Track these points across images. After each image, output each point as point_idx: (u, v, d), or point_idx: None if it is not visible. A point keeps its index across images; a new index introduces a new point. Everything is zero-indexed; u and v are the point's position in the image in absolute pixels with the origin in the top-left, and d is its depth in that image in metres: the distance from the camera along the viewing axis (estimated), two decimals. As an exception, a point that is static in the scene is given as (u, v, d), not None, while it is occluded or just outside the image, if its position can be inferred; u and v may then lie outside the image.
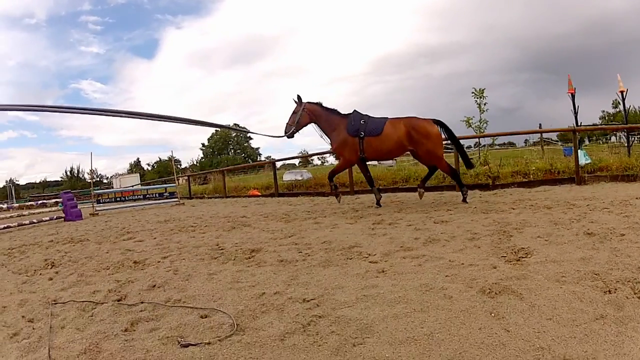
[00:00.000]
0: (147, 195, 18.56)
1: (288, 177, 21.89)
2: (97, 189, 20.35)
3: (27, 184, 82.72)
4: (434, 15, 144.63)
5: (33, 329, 3.37)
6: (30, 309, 3.92)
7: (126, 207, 17.21)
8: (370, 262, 4.32)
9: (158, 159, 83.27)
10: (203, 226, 8.58)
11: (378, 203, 9.66)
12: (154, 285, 4.23)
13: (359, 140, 9.03)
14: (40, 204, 17.98)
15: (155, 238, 7.54)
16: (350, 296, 3.28)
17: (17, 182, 71.11)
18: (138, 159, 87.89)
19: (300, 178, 20.33)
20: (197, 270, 4.74)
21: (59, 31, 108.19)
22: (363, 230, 6.16)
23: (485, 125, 13.68)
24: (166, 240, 7.19)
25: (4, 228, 12.66)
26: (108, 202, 17.86)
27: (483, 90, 13.83)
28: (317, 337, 2.58)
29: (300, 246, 5.44)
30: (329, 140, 9.56)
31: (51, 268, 5.82)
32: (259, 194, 18.85)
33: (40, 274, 5.49)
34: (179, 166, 74.14)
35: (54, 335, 3.18)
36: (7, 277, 5.57)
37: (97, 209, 16.42)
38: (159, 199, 18.46)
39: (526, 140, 45.12)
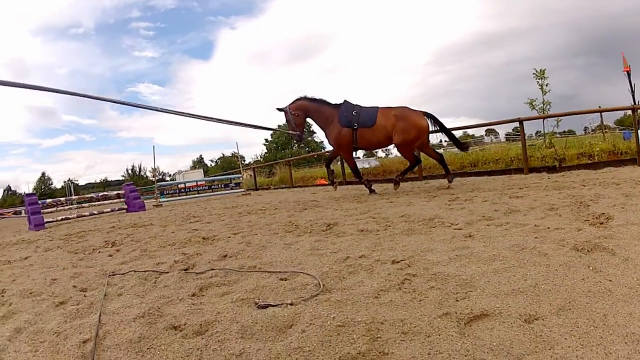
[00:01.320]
0: (213, 187, 18.55)
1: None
2: (161, 182, 20.50)
3: (86, 184, 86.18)
4: (489, 1, 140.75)
5: (85, 296, 3.17)
6: (83, 280, 3.72)
7: (191, 197, 17.21)
8: (455, 229, 4.25)
9: (221, 155, 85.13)
10: (273, 209, 8.55)
11: (371, 191, 9.97)
12: (225, 255, 4.07)
13: (353, 131, 9.31)
14: (102, 196, 18.15)
15: (223, 220, 7.44)
16: (442, 256, 3.16)
17: (76, 182, 73.66)
18: (201, 155, 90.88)
19: (367, 166, 20.57)
20: (271, 242, 4.60)
21: (110, 38, 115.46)
22: (439, 206, 6.10)
23: (548, 106, 13.60)
24: (235, 221, 7.07)
25: (63, 219, 13.00)
26: (172, 193, 17.88)
27: (544, 70, 13.73)
28: (414, 293, 2.47)
29: (378, 219, 5.31)
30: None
31: (111, 247, 5.72)
32: (326, 182, 18.42)
33: (99, 252, 5.36)
34: (242, 161, 75.56)
35: (109, 302, 2.95)
36: (62, 255, 5.48)
37: (161, 200, 16.62)
38: (225, 190, 18.19)
39: (585, 127, 44.08)
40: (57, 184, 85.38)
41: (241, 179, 20.00)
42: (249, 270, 3.37)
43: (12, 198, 79.11)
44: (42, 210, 12.77)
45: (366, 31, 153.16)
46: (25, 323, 2.66)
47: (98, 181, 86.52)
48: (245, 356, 1.90)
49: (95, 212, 13.80)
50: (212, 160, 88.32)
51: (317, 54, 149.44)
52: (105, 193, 17.50)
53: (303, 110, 9.79)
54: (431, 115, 9.33)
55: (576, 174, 9.72)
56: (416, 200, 7.13)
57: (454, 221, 4.58)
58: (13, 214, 42.50)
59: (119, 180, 78.91)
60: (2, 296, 3.46)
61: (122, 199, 15.13)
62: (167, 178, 68.92)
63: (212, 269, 3.49)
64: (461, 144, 9.92)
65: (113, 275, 3.72)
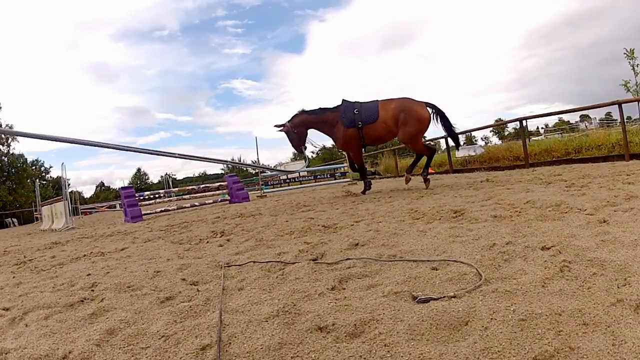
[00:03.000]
0: (318, 176, 18.53)
1: (461, 153, 22.82)
2: (265, 173, 20.76)
3: (184, 178, 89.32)
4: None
5: (198, 291, 2.86)
6: (193, 272, 3.41)
7: (295, 188, 17.21)
8: (586, 214, 4.05)
9: (322, 146, 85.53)
10: (387, 197, 8.36)
11: (364, 192, 10.33)
12: (356, 244, 3.76)
13: (358, 130, 9.54)
14: (203, 187, 17.94)
15: (337, 208, 7.20)
16: (589, 242, 2.97)
17: (173, 177, 76.63)
18: None
19: (473, 153, 21.41)
20: (401, 229, 4.32)
21: (198, 38, 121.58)
22: (559, 192, 5.84)
23: (642, 87, 13.44)
24: (351, 209, 6.83)
25: (162, 211, 13.38)
26: (274, 184, 17.97)
27: (633, 50, 14.06)
28: (578, 280, 2.28)
29: (504, 205, 5.10)
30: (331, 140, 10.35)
31: (220, 236, 5.48)
32: (433, 171, 19.06)
33: (207, 242, 5.12)
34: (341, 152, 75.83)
35: (229, 297, 2.62)
36: (165, 246, 5.33)
37: (265, 191, 16.83)
38: (330, 180, 18.15)
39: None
40: (154, 178, 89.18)
41: (347, 168, 19.76)
42: (389, 259, 3.06)
43: (105, 193, 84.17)
44: (139, 203, 13.13)
45: (454, 16, 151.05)
46: (121, 323, 2.38)
47: (196, 175, 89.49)
48: (426, 363, 1.62)
49: (196, 203, 14.05)
50: (312, 152, 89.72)
51: (408, 41, 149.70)
52: (206, 185, 17.69)
53: (305, 125, 10.08)
54: (433, 105, 9.45)
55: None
56: (533, 187, 6.95)
57: (581, 207, 4.41)
58: (107, 208, 44.69)
59: (218, 174, 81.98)
60: (92, 290, 3.26)
61: (223, 191, 15.38)
62: (268, 171, 70.32)
63: (348, 259, 3.16)
64: (457, 141, 10.26)
65: (228, 266, 3.39)
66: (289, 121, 10.07)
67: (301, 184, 20.46)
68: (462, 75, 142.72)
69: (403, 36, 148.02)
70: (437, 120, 9.42)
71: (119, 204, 43.42)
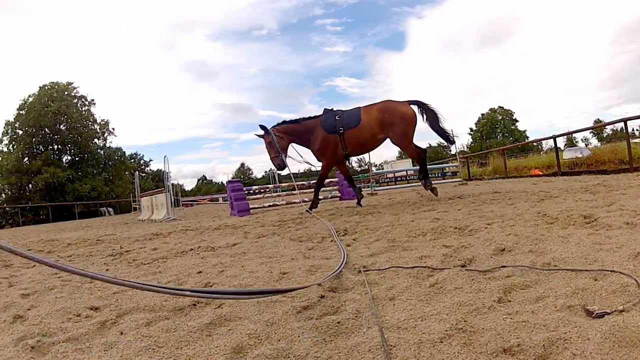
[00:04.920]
0: (431, 175, 18.66)
1: (568, 154, 23.70)
2: (376, 171, 21.01)
3: (287, 174, 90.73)
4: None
5: (339, 300, 2.50)
6: (327, 276, 3.05)
7: (404, 187, 17.18)
8: None
9: (427, 145, 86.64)
10: (506, 199, 8.01)
11: (359, 203, 10.32)
12: (502, 249, 3.47)
13: (340, 137, 9.41)
14: (313, 183, 18.03)
15: (460, 209, 6.89)
16: None
17: (278, 173, 78.97)
18: None
19: (580, 155, 21.41)
20: (541, 234, 4.01)
21: (297, 37, 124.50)
22: None
23: None
24: (475, 210, 6.55)
25: (270, 206, 13.77)
26: (380, 182, 18.14)
27: None
28: None
29: (628, 212, 4.69)
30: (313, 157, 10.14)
31: (344, 235, 5.27)
32: (541, 173, 19.11)
33: (332, 241, 4.86)
34: (449, 152, 76.37)
35: (382, 309, 2.29)
36: (284, 243, 5.11)
37: (376, 189, 17.11)
38: (439, 179, 18.43)
39: None
40: (257, 174, 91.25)
41: (458, 168, 20.34)
42: (545, 267, 2.78)
43: (207, 186, 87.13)
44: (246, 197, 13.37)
45: (547, 11, 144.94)
46: (250, 338, 2.01)
47: (301, 171, 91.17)
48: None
49: (305, 199, 14.07)
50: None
51: (505, 38, 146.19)
52: (313, 181, 17.66)
53: (288, 134, 9.97)
54: (418, 102, 9.48)
55: None
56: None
57: None
58: (209, 200, 46.08)
59: None
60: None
61: (330, 188, 15.63)
62: (373, 168, 71.22)
63: (503, 266, 2.86)
64: (448, 138, 9.90)
65: (367, 270, 3.10)
66: (272, 128, 9.97)
67: (408, 182, 20.23)
68: (557, 73, 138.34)
69: (500, 33, 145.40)
70: (423, 117, 9.41)
71: (222, 197, 44.89)
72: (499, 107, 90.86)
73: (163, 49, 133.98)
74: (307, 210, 9.83)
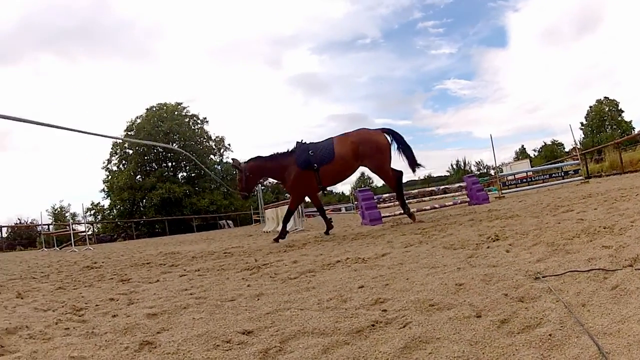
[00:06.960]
0: (553, 175, 18.39)
1: None
2: (502, 173, 20.96)
3: (407, 181, 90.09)
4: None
5: (527, 309, 2.39)
6: (507, 285, 2.92)
7: (529, 188, 17.15)
8: None
9: (542, 144, 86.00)
10: (634, 195, 7.69)
11: (327, 232, 10.22)
12: None
13: (315, 173, 9.49)
14: (443, 189, 19.33)
15: (596, 209, 6.63)
16: None
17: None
18: (522, 146, 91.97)
19: None
20: None
21: (402, 42, 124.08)
22: None
23: None
24: (612, 208, 6.28)
25: (401, 214, 13.70)
26: (502, 185, 18.11)
27: None
28: None
29: None
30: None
31: (495, 240, 5.14)
32: None
33: (488, 247, 4.69)
34: (562, 149, 74.18)
35: (579, 316, 2.19)
36: (438, 252, 4.90)
37: (503, 192, 17.06)
38: (559, 179, 18.42)
39: None
40: (378, 182, 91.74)
41: (579, 165, 19.65)
42: None
43: (328, 197, 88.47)
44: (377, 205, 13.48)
45: None
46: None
47: (421, 178, 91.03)
48: None
49: (436, 205, 14.19)
50: (534, 150, 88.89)
51: (598, 23, 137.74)
52: (446, 186, 18.96)
53: (259, 172, 10.24)
54: (390, 130, 9.86)
55: None
56: None
57: None
58: (332, 210, 46.59)
59: (442, 176, 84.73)
60: (382, 310, 2.72)
61: (457, 193, 15.67)
62: (491, 171, 70.50)
63: None
64: (415, 164, 9.95)
65: (543, 277, 3.00)
66: (245, 162, 10.16)
67: (528, 184, 19.93)
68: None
69: (592, 18, 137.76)
70: (394, 146, 9.73)
71: (344, 207, 45.12)
72: (605, 97, 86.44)
73: (269, 65, 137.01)
74: (274, 240, 9.96)
